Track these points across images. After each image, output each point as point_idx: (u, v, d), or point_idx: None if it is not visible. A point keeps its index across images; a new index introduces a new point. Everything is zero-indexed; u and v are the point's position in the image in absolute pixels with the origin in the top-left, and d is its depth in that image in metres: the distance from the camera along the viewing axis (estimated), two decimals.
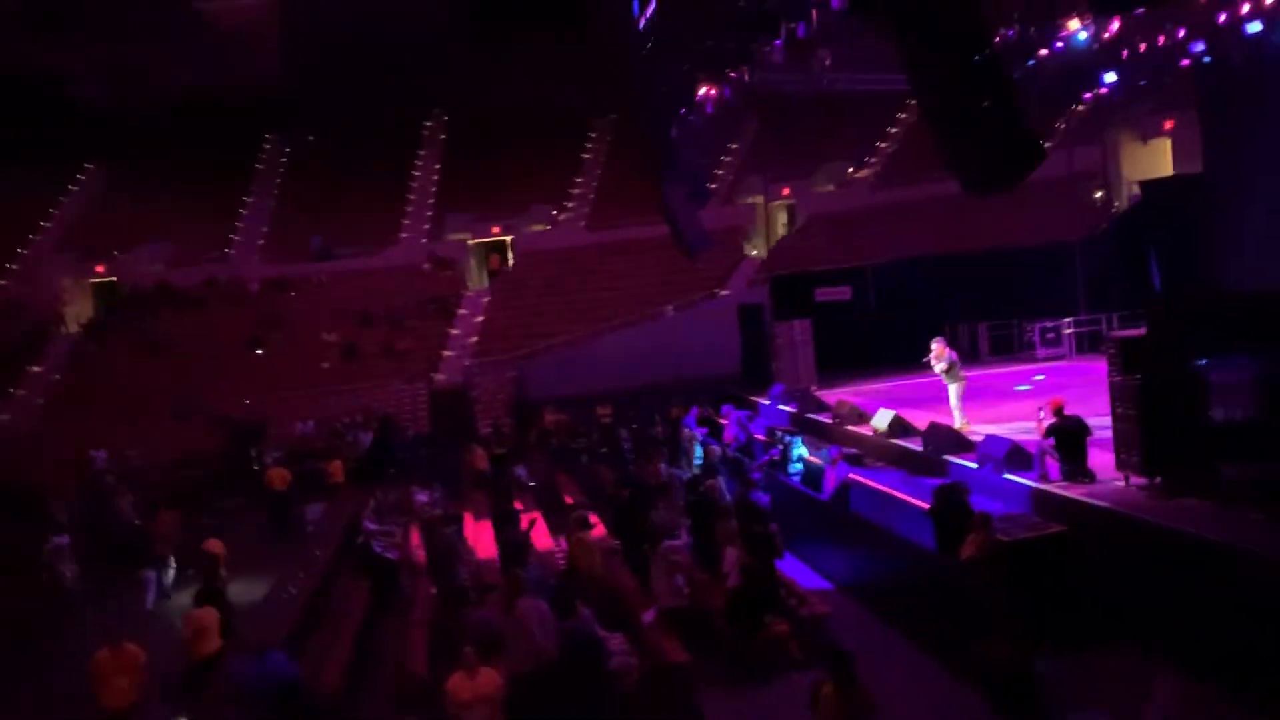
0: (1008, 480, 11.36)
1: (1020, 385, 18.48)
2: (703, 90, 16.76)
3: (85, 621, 13.17)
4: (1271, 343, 8.72)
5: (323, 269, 35.66)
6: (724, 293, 31.27)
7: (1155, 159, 27.53)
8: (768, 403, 21.14)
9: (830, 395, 19.38)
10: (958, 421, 14.18)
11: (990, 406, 15.86)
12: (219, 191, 38.70)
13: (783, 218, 35.90)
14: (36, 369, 30.53)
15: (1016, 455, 11.41)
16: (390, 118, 41.56)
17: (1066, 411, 10.95)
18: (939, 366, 14.66)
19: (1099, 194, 27.47)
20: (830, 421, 17.31)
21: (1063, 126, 27.66)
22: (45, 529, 17.46)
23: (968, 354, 24.06)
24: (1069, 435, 10.66)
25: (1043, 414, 11.15)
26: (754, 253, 34.51)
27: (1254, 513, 8.60)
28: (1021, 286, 23.10)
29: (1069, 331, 22.04)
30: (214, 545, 12.77)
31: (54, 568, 14.74)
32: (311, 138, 42.54)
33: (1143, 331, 10.27)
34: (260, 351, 30.94)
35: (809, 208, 35.11)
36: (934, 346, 14.78)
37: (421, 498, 16.56)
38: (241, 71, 40.97)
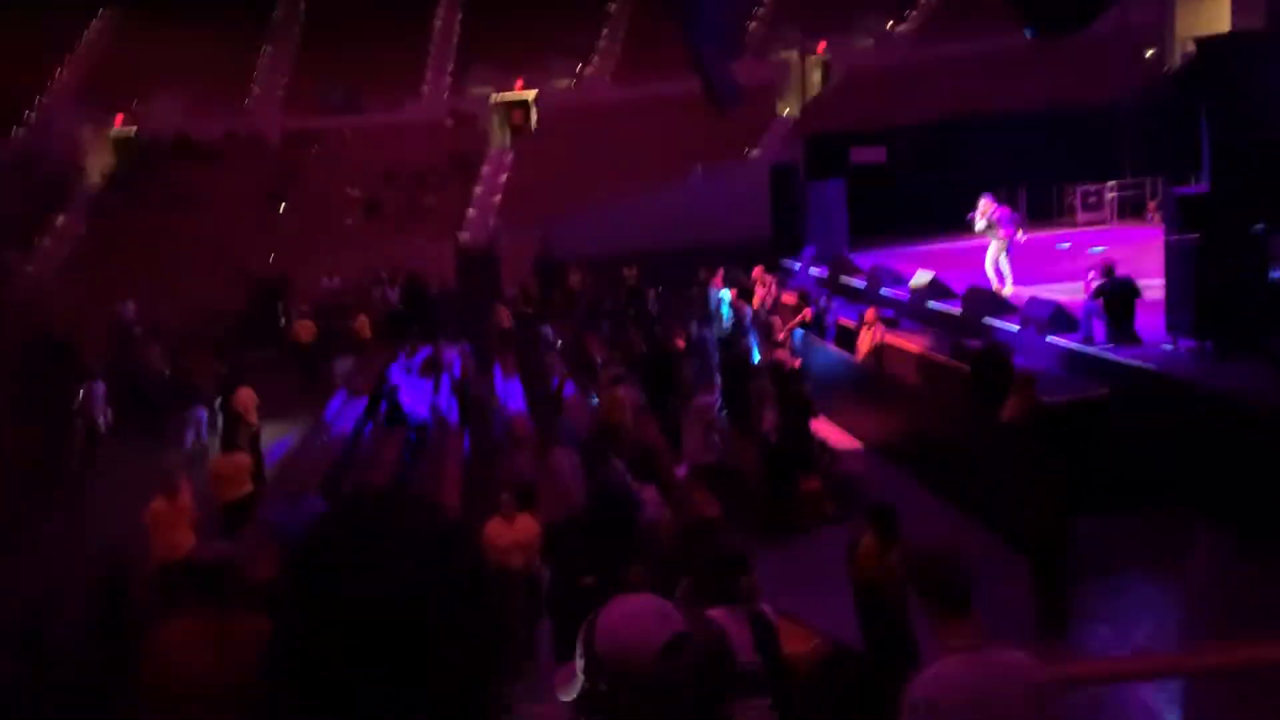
0: (1050, 342, 11.12)
1: (1061, 244, 18.04)
2: None
3: (124, 467, 13.26)
4: None
5: (344, 123, 34.92)
6: (755, 153, 30.48)
7: (1213, 15, 26.07)
8: (799, 265, 20.79)
9: (864, 258, 19.03)
10: (994, 281, 13.86)
11: (1031, 268, 15.49)
12: (236, 39, 37.66)
13: (817, 75, 34.66)
14: (59, 221, 30.38)
15: (1060, 317, 11.14)
16: None
17: (1116, 272, 10.61)
18: (980, 224, 14.17)
19: (1150, 51, 26.21)
20: (864, 284, 17.01)
21: None
22: (79, 377, 17.64)
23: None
24: (1118, 296, 10.34)
25: (1091, 275, 10.81)
26: (787, 112, 33.47)
27: None
28: (1063, 148, 22.30)
29: (1111, 195, 21.40)
30: (244, 392, 12.77)
31: (88, 414, 14.84)
32: None
33: (1203, 188, 9.81)
34: (283, 206, 30.61)
35: (845, 64, 33.84)
36: (980, 203, 14.20)
37: (450, 354, 16.52)
38: None
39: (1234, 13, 25.70)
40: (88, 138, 34.89)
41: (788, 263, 21.91)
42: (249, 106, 36.39)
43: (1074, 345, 10.69)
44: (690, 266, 22.87)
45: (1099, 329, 10.57)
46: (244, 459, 10.16)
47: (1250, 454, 8.11)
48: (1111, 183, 21.52)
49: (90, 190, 32.39)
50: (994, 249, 14.12)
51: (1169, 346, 10.02)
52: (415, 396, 13.97)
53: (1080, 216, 21.48)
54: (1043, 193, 22.87)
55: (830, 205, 21.26)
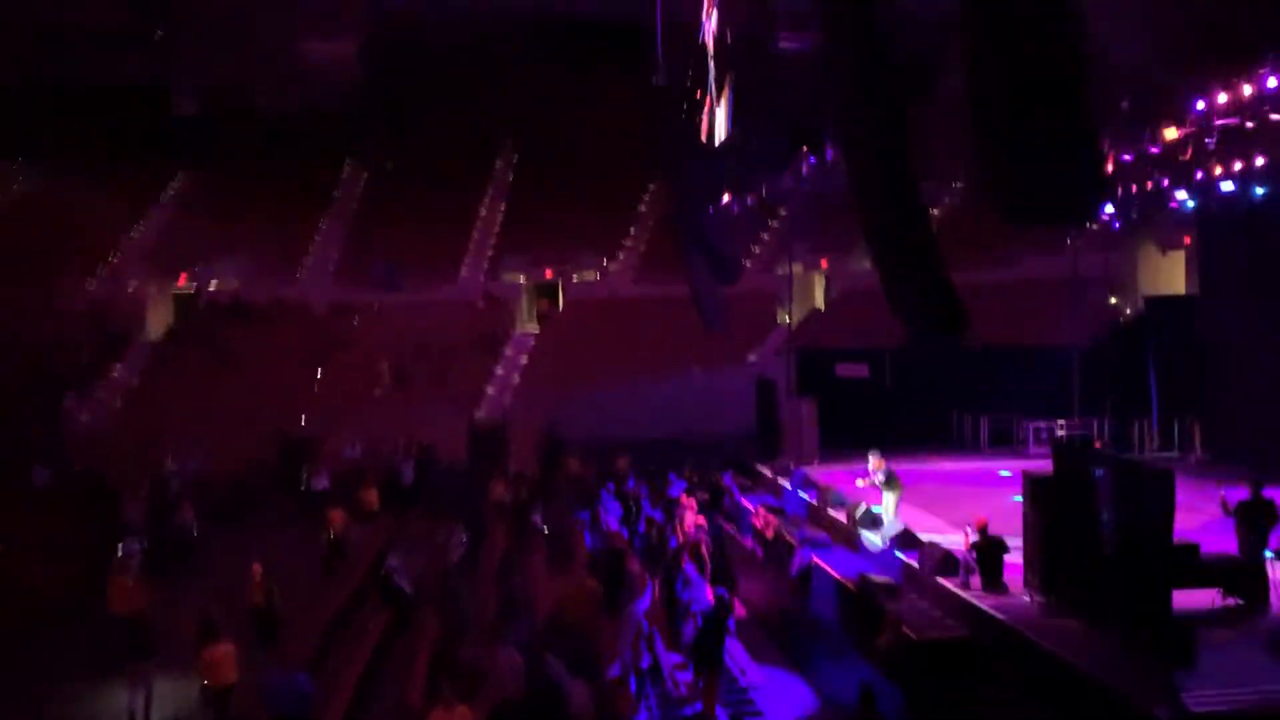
0: (938, 583, 13.08)
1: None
2: (727, 197, 18.65)
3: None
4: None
5: (385, 298, 38.07)
6: (752, 358, 33.04)
7: (1171, 270, 28.81)
8: (789, 487, 21.79)
9: (828, 473, 20.82)
10: (890, 526, 15.49)
11: (957, 506, 17.39)
12: (297, 213, 41.41)
13: (818, 290, 37.60)
14: (117, 373, 33.32)
15: (947, 562, 13.12)
16: (463, 153, 43.80)
17: (990, 530, 12.68)
18: (878, 478, 15.93)
19: (1114, 300, 28.83)
20: (815, 502, 18.96)
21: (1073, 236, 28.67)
22: (117, 530, 19.83)
23: (969, 443, 25.70)
24: (989, 551, 12.37)
25: (969, 530, 12.88)
26: (786, 320, 36.24)
27: (1111, 638, 10.25)
28: (1024, 384, 24.62)
29: (1061, 433, 23.46)
30: (255, 571, 14.63)
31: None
32: (390, 165, 44.68)
33: (1049, 470, 11.97)
34: (320, 373, 33.39)
35: (842, 283, 36.80)
36: (871, 460, 16.08)
37: (445, 535, 18.54)
38: (328, 98, 43.58)
39: (1188, 271, 28.49)
40: (151, 295, 38.30)
41: (769, 473, 23.49)
42: (300, 276, 39.79)
43: (952, 588, 12.65)
44: (679, 458, 25.08)
45: (975, 577, 12.56)
46: (229, 648, 11.67)
47: (1056, 698, 9.98)
48: (1062, 421, 23.63)
49: (148, 345, 35.43)
50: (892, 498, 15.85)
51: (1027, 599, 11.96)
52: (405, 577, 15.93)
53: (1032, 449, 23.47)
54: (1003, 423, 25.05)
55: (804, 420, 23.43)
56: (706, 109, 16.40)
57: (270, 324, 36.45)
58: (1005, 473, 19.95)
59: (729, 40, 15.53)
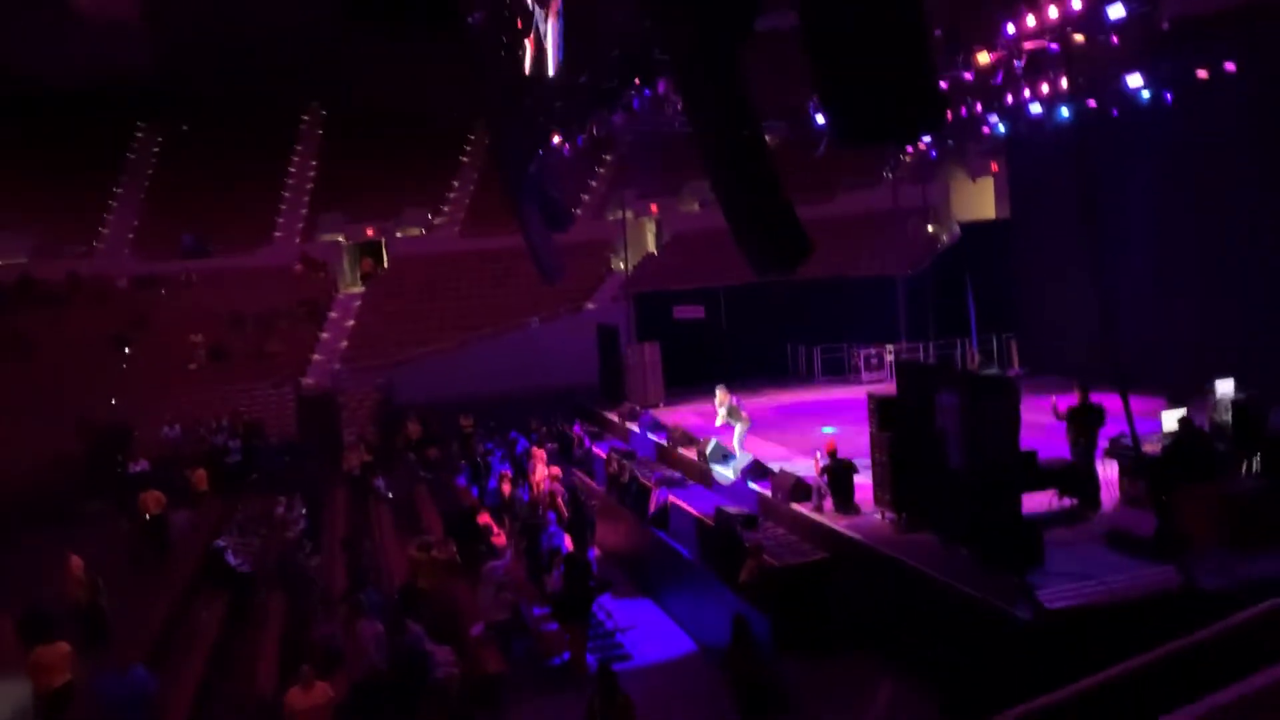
0: (793, 509, 13.25)
1: (827, 427, 19.86)
2: (557, 138, 18.17)
3: None
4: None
5: (193, 267, 35.73)
6: (590, 306, 32.82)
7: (982, 197, 30.21)
8: (638, 431, 21.27)
9: (674, 414, 20.99)
10: (740, 458, 15.53)
11: (802, 435, 17.76)
12: (88, 182, 38.23)
13: (650, 234, 37.64)
14: None
15: (799, 488, 13.30)
16: (267, 112, 41.41)
17: (840, 454, 12.89)
18: (723, 412, 15.98)
19: (932, 228, 30.02)
20: (665, 443, 18.98)
21: (891, 169, 29.68)
22: None
23: (804, 374, 26.37)
24: (839, 474, 12.58)
25: (819, 455, 13.06)
26: (621, 267, 36.13)
27: (964, 547, 10.59)
28: (852, 314, 25.43)
29: (890, 358, 24.33)
30: (75, 565, 13.34)
31: None
32: (185, 128, 41.87)
33: (895, 392, 12.23)
34: (127, 351, 31.06)
35: (674, 226, 36.94)
36: (718, 394, 16.14)
37: (281, 510, 17.61)
38: (113, 58, 40.16)
39: (997, 197, 29.99)
40: None
41: (610, 417, 23.69)
42: (97, 248, 36.82)
43: (807, 512, 12.84)
44: (524, 413, 24.75)
45: (827, 500, 12.76)
46: (64, 647, 10.34)
47: (914, 606, 10.25)
48: (890, 346, 24.50)
49: None
50: (740, 429, 15.95)
51: (878, 516, 12.24)
52: (241, 557, 15.00)
53: (864, 375, 24.26)
54: (834, 352, 25.78)
55: (647, 364, 23.44)
56: (531, 44, 15.79)
57: (66, 302, 33.57)
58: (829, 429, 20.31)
59: None
